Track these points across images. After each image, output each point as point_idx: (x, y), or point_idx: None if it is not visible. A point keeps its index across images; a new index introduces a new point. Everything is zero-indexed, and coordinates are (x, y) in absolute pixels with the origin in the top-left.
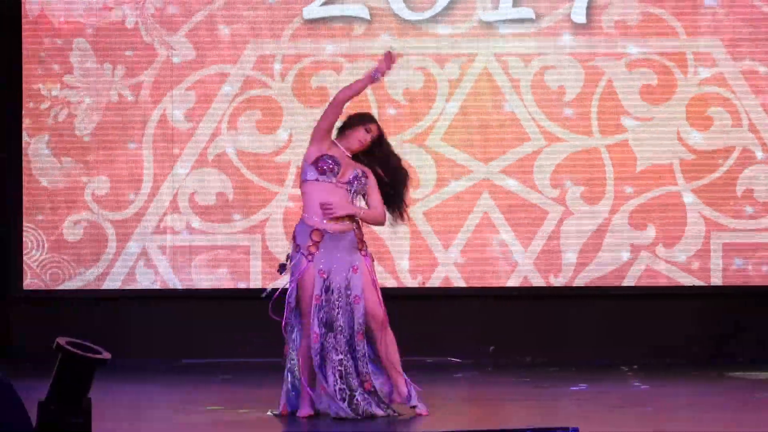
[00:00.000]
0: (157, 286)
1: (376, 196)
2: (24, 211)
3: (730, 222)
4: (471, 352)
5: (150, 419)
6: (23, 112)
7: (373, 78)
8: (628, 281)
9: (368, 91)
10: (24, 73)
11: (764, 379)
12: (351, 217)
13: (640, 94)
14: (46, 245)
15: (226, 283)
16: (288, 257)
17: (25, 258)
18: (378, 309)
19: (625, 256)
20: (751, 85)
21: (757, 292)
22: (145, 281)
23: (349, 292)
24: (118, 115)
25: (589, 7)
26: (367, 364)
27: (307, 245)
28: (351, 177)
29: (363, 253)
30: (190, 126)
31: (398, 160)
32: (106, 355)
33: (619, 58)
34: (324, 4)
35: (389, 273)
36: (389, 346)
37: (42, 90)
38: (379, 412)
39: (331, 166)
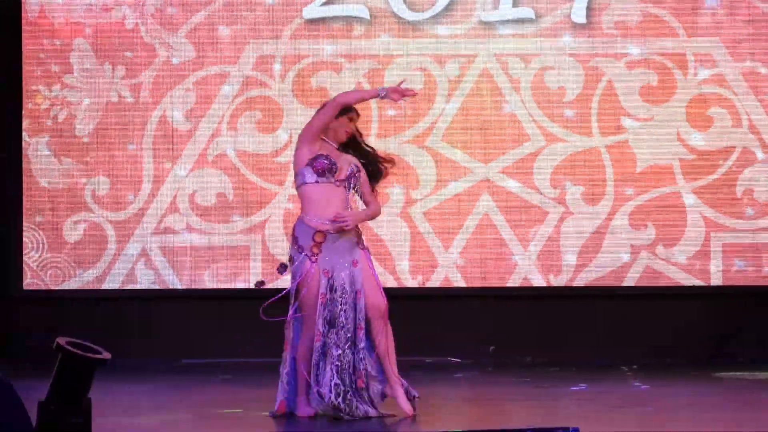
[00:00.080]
0: (157, 287)
1: (368, 189)
2: (24, 211)
3: (730, 222)
4: (471, 352)
5: (150, 419)
6: (23, 112)
7: (379, 94)
8: (628, 281)
9: None
10: (24, 73)
11: (764, 379)
12: None
13: (640, 94)
14: (46, 245)
15: (226, 284)
16: (290, 258)
17: (25, 258)
18: (380, 298)
19: (625, 256)
20: (751, 86)
21: (757, 292)
22: (145, 281)
23: (353, 287)
24: (117, 116)
25: (589, 8)
26: (364, 360)
27: (310, 246)
28: (347, 174)
29: (360, 246)
30: (189, 126)
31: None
32: (106, 355)
33: (619, 59)
34: (324, 4)
35: (389, 273)
36: (387, 337)
37: (42, 90)
38: (372, 412)
39: (328, 166)
